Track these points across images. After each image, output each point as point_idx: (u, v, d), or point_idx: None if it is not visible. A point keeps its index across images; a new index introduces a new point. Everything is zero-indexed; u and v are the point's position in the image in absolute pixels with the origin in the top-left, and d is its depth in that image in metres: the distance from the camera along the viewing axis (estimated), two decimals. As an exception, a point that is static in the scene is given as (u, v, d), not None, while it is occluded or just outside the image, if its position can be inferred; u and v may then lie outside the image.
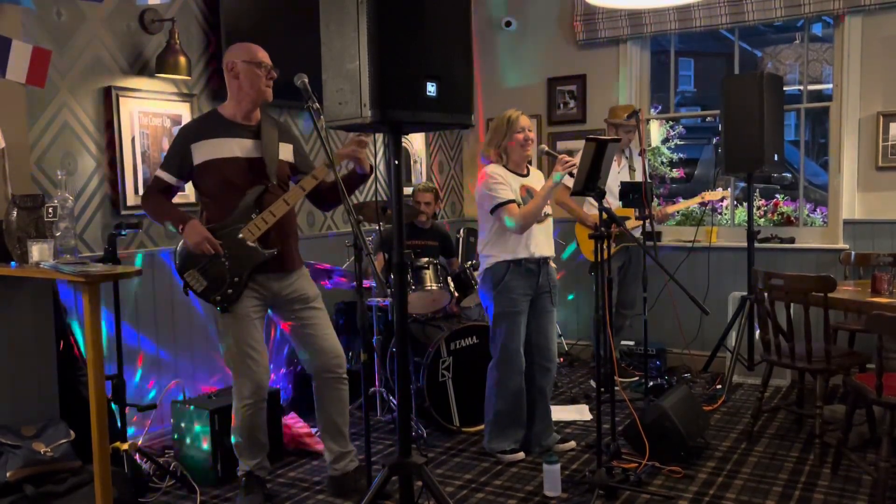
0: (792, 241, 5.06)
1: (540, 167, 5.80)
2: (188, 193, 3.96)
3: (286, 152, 3.16)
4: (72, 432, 2.87)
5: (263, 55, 3.04)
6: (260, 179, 3.02)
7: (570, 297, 5.73)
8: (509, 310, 3.52)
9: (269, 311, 3.18)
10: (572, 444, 3.78)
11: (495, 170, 3.53)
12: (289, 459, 3.68)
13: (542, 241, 3.58)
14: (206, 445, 3.40)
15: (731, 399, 4.53)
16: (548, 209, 3.59)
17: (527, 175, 3.64)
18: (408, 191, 5.27)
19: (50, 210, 2.72)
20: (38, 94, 3.24)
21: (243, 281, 2.99)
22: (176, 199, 3.18)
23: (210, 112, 3.12)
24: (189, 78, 3.88)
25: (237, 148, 3.01)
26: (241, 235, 2.97)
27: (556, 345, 3.73)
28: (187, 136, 3.03)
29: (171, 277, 3.89)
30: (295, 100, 2.96)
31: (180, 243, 3.01)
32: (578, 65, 5.63)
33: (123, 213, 3.68)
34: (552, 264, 3.67)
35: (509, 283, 3.51)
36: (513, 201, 3.45)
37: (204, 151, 2.99)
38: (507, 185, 3.48)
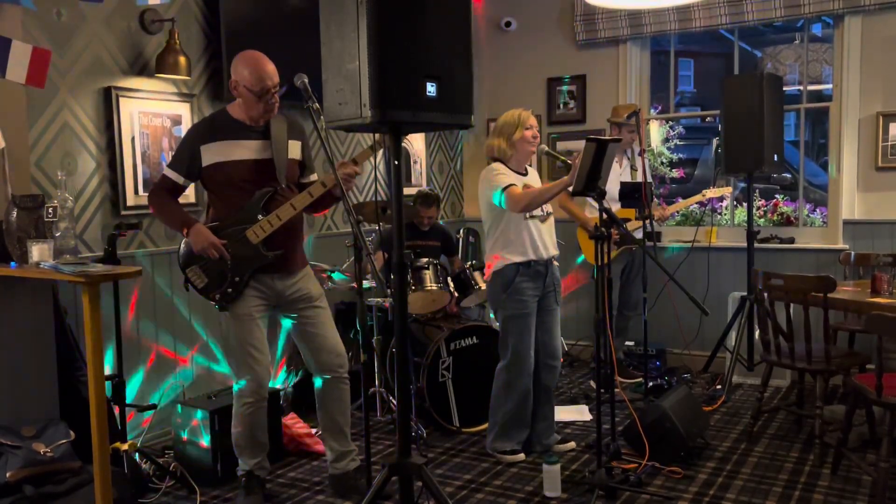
0: (792, 241, 5.06)
1: (540, 167, 5.81)
2: (187, 193, 3.96)
3: (294, 150, 3.14)
4: (72, 432, 2.87)
5: (270, 79, 2.92)
6: (268, 180, 3.02)
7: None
8: (521, 312, 3.51)
9: (274, 310, 3.18)
10: (572, 444, 3.78)
11: (497, 165, 3.53)
12: (288, 460, 3.68)
13: (548, 241, 3.58)
14: (205, 445, 3.40)
15: (730, 399, 4.54)
16: (549, 208, 3.59)
17: (525, 175, 3.64)
18: (408, 191, 5.28)
19: (50, 210, 2.72)
20: (38, 94, 3.23)
21: (244, 281, 3.00)
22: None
23: (219, 112, 3.11)
24: (189, 78, 3.88)
25: (246, 150, 3.00)
26: (245, 236, 2.97)
27: (559, 343, 3.73)
28: (197, 138, 3.02)
29: (172, 277, 3.89)
30: (295, 100, 2.96)
31: (185, 239, 3.01)
32: (578, 65, 5.63)
33: (123, 213, 3.68)
34: (555, 263, 3.68)
35: (520, 286, 3.50)
36: (514, 185, 3.42)
37: (213, 153, 2.98)
38: (508, 175, 3.47)
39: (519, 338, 3.53)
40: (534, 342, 3.59)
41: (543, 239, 3.55)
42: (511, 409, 3.59)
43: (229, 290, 2.99)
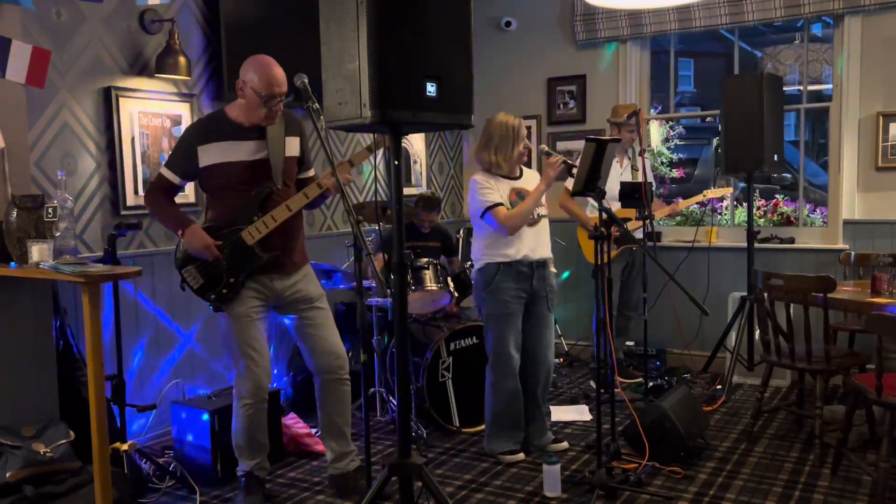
0: (792, 241, 5.06)
1: (539, 168, 5.81)
2: (187, 193, 3.97)
3: (292, 147, 3.12)
4: (72, 433, 2.86)
5: (279, 86, 2.91)
6: (264, 181, 3.01)
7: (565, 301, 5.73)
8: (500, 311, 3.53)
9: (274, 311, 3.18)
10: (565, 444, 3.78)
11: (482, 177, 3.57)
12: (288, 460, 3.68)
13: (534, 244, 3.56)
14: (205, 445, 3.40)
15: (730, 399, 4.53)
16: (542, 210, 3.60)
17: (519, 177, 3.64)
18: (407, 192, 5.27)
19: (50, 210, 2.71)
20: (38, 94, 3.23)
21: (239, 282, 2.99)
22: (176, 199, 3.18)
23: (217, 112, 3.10)
24: (189, 78, 3.88)
25: (243, 151, 2.99)
26: (241, 237, 2.97)
27: (553, 351, 3.71)
28: (194, 138, 3.01)
29: (172, 277, 3.89)
30: (295, 100, 2.95)
31: (181, 241, 3.01)
32: (578, 65, 5.63)
33: (123, 213, 3.68)
34: (552, 268, 3.67)
35: (500, 285, 3.51)
36: (500, 204, 3.48)
37: (210, 155, 2.98)
38: (494, 189, 3.51)
39: (498, 337, 3.54)
40: (520, 344, 3.59)
41: (529, 241, 3.55)
42: (499, 410, 3.60)
43: (224, 290, 2.99)
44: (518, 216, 3.46)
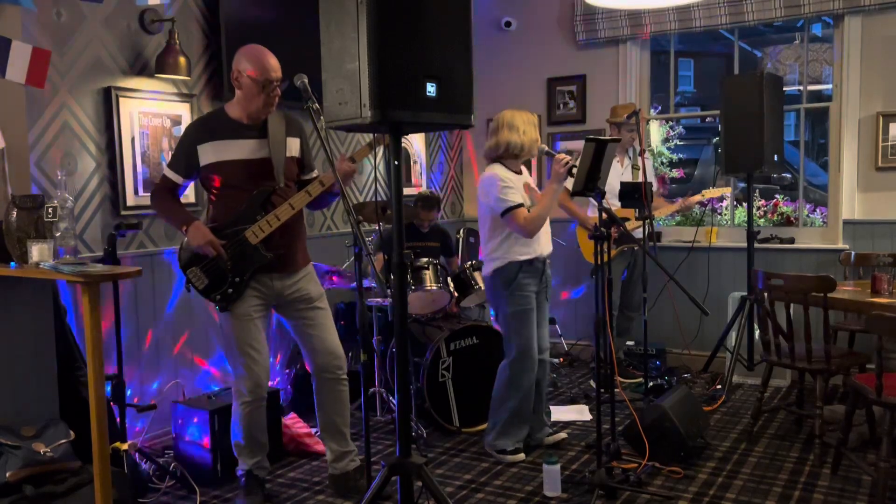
0: (792, 241, 5.06)
1: (540, 167, 5.81)
2: (187, 193, 3.97)
3: (293, 147, 3.13)
4: (72, 432, 2.86)
5: (274, 71, 2.93)
6: (265, 180, 3.01)
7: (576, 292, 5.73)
8: (524, 307, 3.54)
9: (274, 310, 3.18)
10: (563, 434, 3.80)
11: (503, 173, 3.52)
12: (288, 460, 3.68)
13: (546, 239, 3.62)
14: (205, 445, 3.40)
15: (730, 399, 4.54)
16: None
17: (521, 174, 3.66)
18: (408, 191, 5.28)
19: (50, 210, 2.71)
20: (38, 94, 3.24)
21: (244, 281, 3.00)
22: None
23: (217, 110, 3.10)
24: (189, 78, 3.88)
25: (243, 150, 3.00)
26: (244, 237, 2.97)
27: (548, 337, 3.75)
28: (194, 137, 3.02)
29: (172, 277, 3.89)
30: (295, 100, 2.96)
31: (185, 240, 3.01)
32: (578, 65, 5.63)
33: (123, 213, 3.68)
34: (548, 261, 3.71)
35: (522, 282, 3.52)
36: (521, 205, 3.45)
37: (210, 153, 2.98)
38: (516, 188, 3.49)
39: (524, 333, 3.55)
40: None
41: (544, 237, 3.59)
42: (514, 406, 3.60)
43: (230, 290, 2.99)
44: (539, 219, 3.44)
